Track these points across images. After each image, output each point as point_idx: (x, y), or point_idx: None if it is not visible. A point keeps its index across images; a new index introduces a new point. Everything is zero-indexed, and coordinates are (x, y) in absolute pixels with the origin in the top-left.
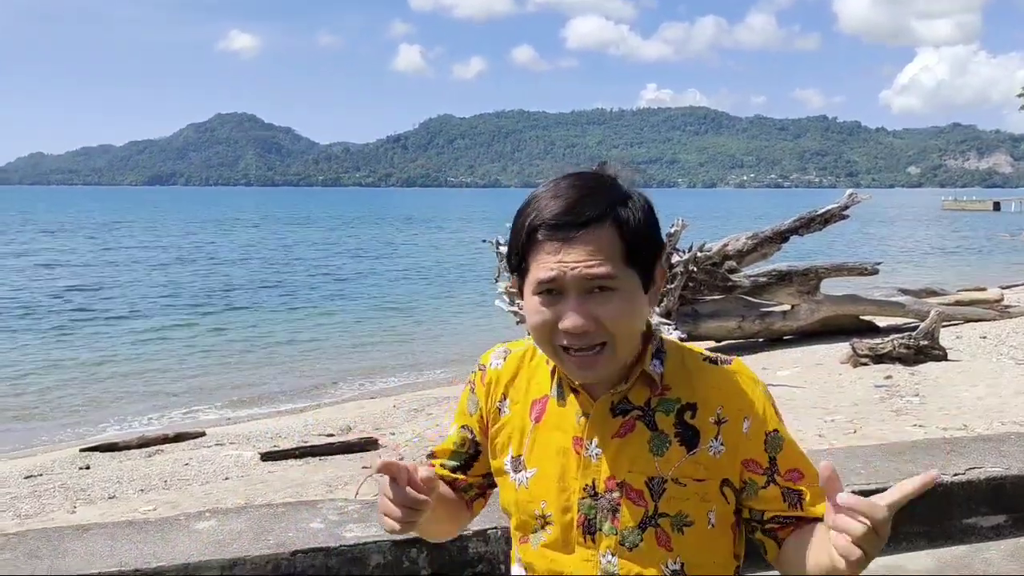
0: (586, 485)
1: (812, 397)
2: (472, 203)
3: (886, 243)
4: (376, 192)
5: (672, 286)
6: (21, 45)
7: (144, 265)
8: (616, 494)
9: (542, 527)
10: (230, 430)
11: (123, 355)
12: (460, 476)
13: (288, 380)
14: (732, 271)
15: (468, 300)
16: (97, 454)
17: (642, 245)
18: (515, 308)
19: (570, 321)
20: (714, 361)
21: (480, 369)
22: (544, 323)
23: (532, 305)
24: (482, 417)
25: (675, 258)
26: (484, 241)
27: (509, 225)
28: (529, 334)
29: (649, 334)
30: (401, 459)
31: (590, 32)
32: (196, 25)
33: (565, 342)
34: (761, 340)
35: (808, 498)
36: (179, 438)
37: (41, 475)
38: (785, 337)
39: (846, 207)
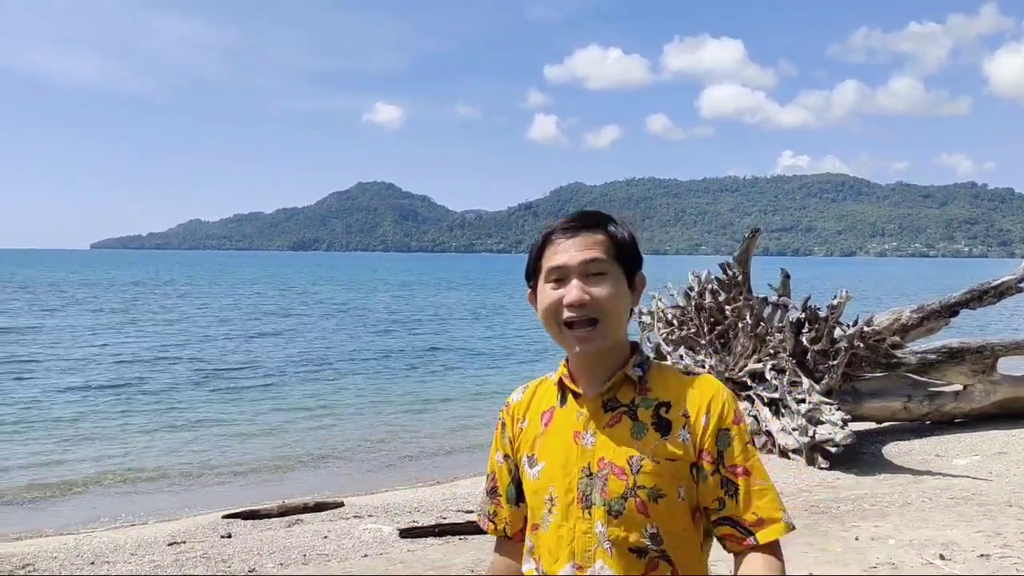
0: (583, 467)
1: (1003, 492)
2: None
3: None
4: (508, 258)
5: (835, 362)
6: (181, 119)
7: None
8: (605, 471)
9: (550, 510)
10: (368, 501)
11: (255, 416)
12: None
13: (425, 448)
14: (895, 346)
15: None
16: (239, 521)
17: (626, 251)
18: None
19: (572, 295)
20: (689, 373)
21: (506, 406)
22: (552, 304)
23: (543, 293)
24: (512, 441)
25: (837, 332)
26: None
27: (652, 294)
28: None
29: (635, 347)
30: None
31: (726, 100)
32: (345, 98)
33: (567, 315)
34: (928, 423)
35: (742, 494)
36: (319, 507)
37: (184, 542)
38: (955, 420)
39: (1023, 279)
